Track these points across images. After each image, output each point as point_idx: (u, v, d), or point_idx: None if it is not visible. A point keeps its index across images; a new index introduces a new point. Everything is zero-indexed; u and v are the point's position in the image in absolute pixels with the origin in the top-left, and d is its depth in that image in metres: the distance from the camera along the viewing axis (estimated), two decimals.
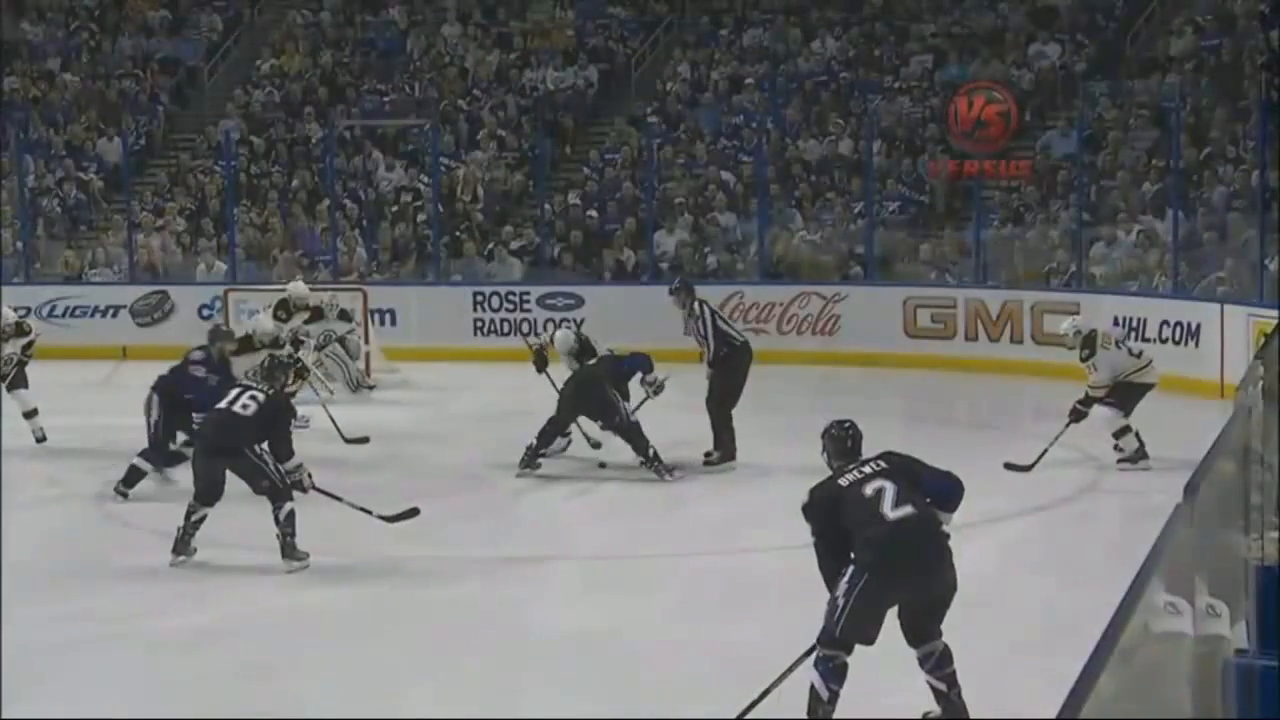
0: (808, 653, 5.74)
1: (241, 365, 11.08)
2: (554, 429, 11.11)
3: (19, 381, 12.70)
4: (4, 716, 4.69)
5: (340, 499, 9.12)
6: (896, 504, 5.69)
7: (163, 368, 11.13)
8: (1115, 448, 11.19)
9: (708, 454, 11.49)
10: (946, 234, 18.27)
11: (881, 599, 5.62)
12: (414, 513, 9.23)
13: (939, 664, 5.67)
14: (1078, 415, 11.24)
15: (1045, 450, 10.96)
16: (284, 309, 12.89)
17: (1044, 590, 8.21)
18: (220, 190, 20.57)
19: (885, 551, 5.63)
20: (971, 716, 5.66)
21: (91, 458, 12.02)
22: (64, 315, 18.97)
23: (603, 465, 11.23)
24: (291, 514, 8.67)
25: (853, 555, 5.66)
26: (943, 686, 5.69)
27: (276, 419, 8.79)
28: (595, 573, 8.96)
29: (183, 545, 8.72)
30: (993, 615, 7.26)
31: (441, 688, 6.80)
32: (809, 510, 5.80)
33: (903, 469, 5.86)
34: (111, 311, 18.99)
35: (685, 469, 11.07)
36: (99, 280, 19.77)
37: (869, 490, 5.72)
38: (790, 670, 5.80)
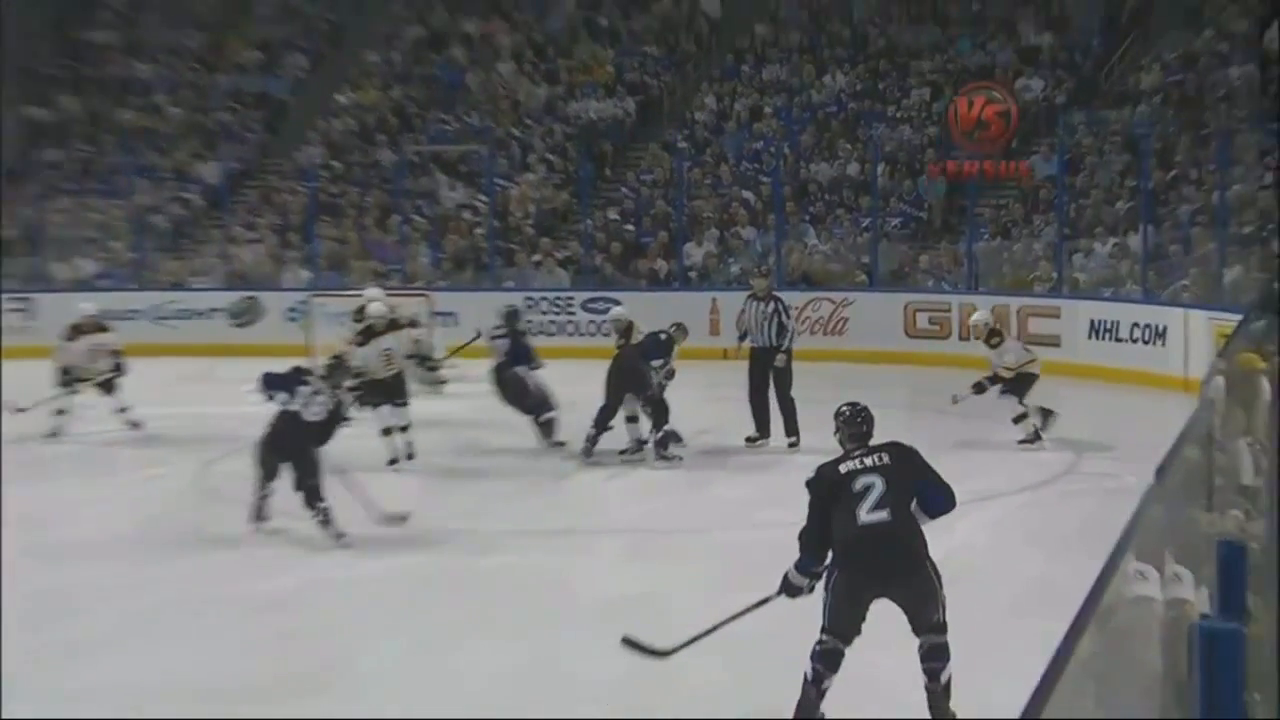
0: (759, 603, 5.55)
1: (369, 352, 10.96)
2: (607, 414, 11.03)
3: (112, 386, 12.51)
4: (4, 716, 4.64)
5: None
6: (876, 506, 5.26)
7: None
8: (1015, 420, 11.34)
9: (751, 438, 11.44)
10: (943, 246, 18.20)
11: (852, 595, 5.29)
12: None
13: (927, 657, 5.30)
14: (980, 389, 11.47)
15: (956, 397, 11.56)
16: (367, 333, 11.94)
17: (1031, 561, 8.12)
18: (304, 207, 20.62)
19: (850, 552, 5.30)
20: (953, 709, 5.34)
21: (191, 442, 12.08)
22: (169, 318, 19.05)
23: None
24: (327, 511, 8.50)
25: (836, 543, 5.35)
26: (925, 678, 5.33)
27: (333, 423, 8.78)
28: (631, 545, 8.90)
29: (257, 513, 8.74)
30: (985, 583, 7.20)
31: (493, 644, 6.76)
32: (811, 484, 5.46)
33: (901, 468, 5.40)
34: (209, 314, 19.06)
35: (683, 457, 10.98)
36: (199, 287, 19.85)
37: (858, 485, 5.32)
38: (738, 615, 5.61)
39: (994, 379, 11.46)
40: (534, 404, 11.50)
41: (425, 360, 13.28)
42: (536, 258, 19.35)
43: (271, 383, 8.82)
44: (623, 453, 11.05)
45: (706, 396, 12.71)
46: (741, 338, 11.84)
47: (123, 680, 6.21)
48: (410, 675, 6.35)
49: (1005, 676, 5.11)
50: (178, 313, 19.09)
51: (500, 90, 22.79)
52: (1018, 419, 11.39)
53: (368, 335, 11.19)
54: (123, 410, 12.47)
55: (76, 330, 12.66)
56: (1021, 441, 11.31)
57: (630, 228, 19.75)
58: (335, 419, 8.80)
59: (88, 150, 22.54)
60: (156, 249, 20.92)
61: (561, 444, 11.27)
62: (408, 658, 6.58)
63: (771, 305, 11.63)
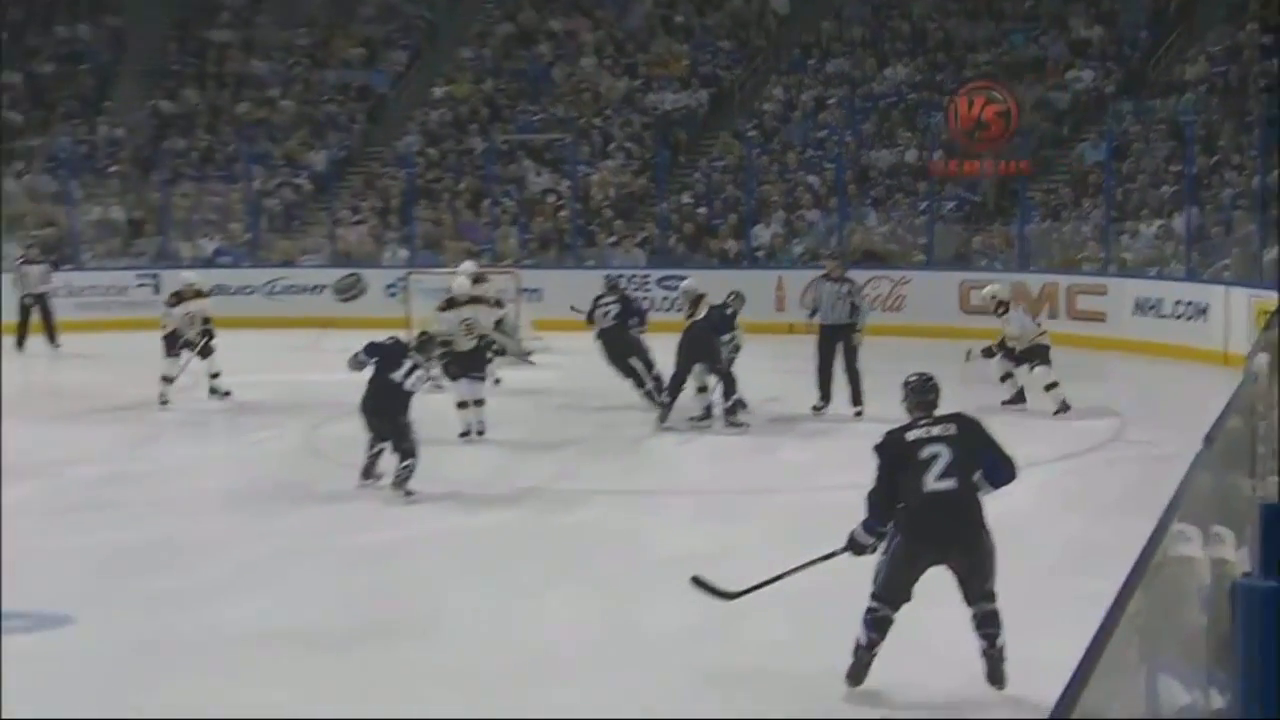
0: (824, 556, 5.42)
1: (450, 317, 10.95)
2: (677, 383, 10.97)
3: (208, 351, 12.34)
4: (4, 716, 4.67)
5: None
6: (942, 475, 5.09)
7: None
8: (1000, 378, 11.33)
9: (816, 406, 11.34)
10: (995, 228, 17.93)
11: (912, 561, 5.17)
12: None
13: (982, 624, 5.18)
14: (989, 354, 11.45)
15: (970, 353, 11.35)
16: (449, 303, 11.52)
17: (1074, 524, 7.97)
18: (403, 192, 20.73)
19: (916, 520, 5.15)
20: (1004, 666, 5.21)
21: (298, 407, 12.14)
22: (280, 293, 19.25)
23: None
24: (410, 469, 8.57)
25: (897, 510, 5.21)
26: (984, 644, 5.21)
27: (414, 392, 8.77)
28: (700, 505, 8.86)
29: (368, 471, 8.77)
30: (1029, 545, 7.05)
31: (571, 595, 6.76)
32: (880, 449, 5.29)
33: (966, 439, 5.22)
34: (317, 290, 19.23)
35: (750, 424, 10.88)
36: (307, 264, 20.02)
37: (925, 453, 5.14)
38: (803, 567, 5.50)
39: (1002, 346, 11.42)
40: (639, 364, 11.25)
41: (501, 327, 13.29)
42: (615, 238, 19.32)
43: (373, 350, 8.86)
44: (694, 419, 10.99)
45: (772, 368, 12.62)
46: (811, 314, 11.68)
47: (229, 625, 6.26)
48: (494, 623, 6.35)
49: (1048, 634, 5.03)
50: (288, 288, 19.29)
51: (583, 83, 22.71)
52: (1048, 386, 11.23)
53: (449, 305, 11.25)
54: (214, 376, 12.30)
55: (177, 297, 12.56)
56: (1005, 403, 11.20)
57: (702, 210, 19.63)
58: (418, 388, 8.84)
59: (208, 139, 22.78)
60: (269, 230, 21.13)
61: (667, 405, 10.95)
62: (492, 607, 6.58)
63: (844, 286, 11.48)
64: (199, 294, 12.74)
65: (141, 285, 18.80)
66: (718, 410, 10.98)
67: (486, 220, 20.05)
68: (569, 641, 6.05)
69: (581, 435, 10.86)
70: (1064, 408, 11.11)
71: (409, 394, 8.67)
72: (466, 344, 10.43)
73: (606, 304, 11.96)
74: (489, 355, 10.69)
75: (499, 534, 8.02)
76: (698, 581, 5.62)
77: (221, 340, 12.60)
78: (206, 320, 12.45)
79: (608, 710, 5.24)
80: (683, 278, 16.42)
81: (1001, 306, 11.58)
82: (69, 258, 19.77)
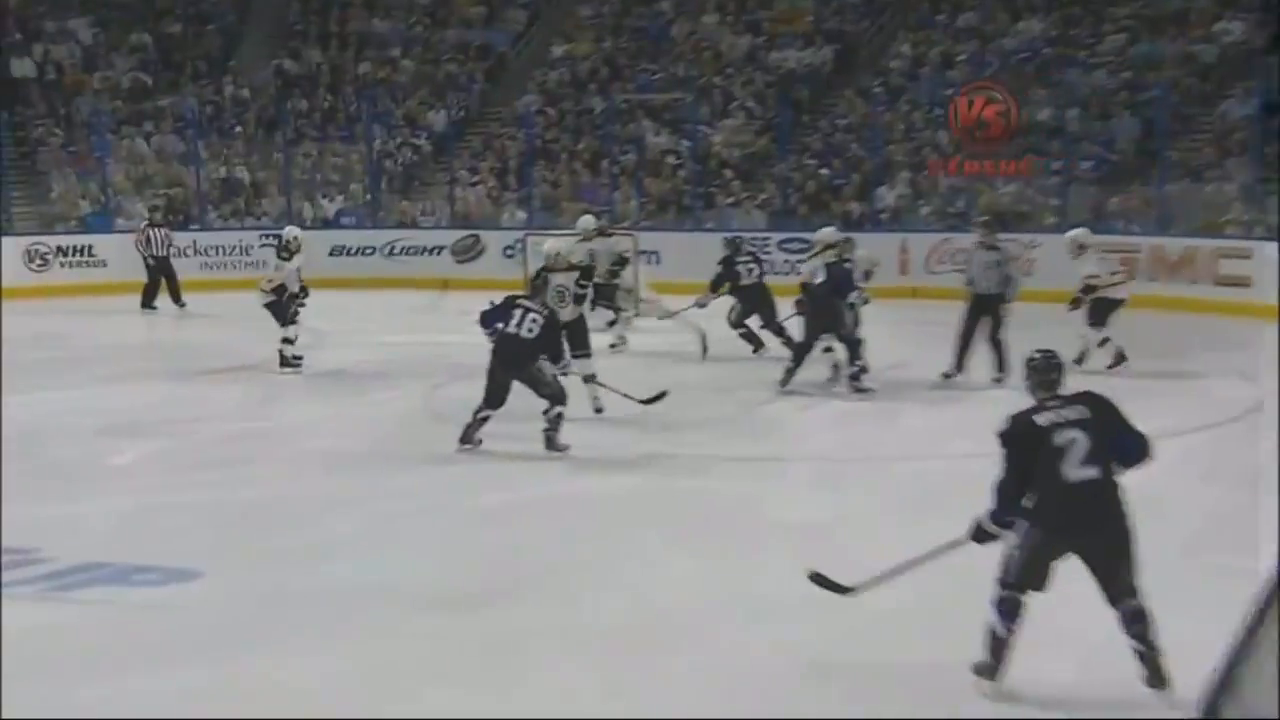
0: (948, 546, 5.23)
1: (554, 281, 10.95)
2: (803, 349, 10.95)
3: (293, 317, 12.11)
4: (4, 716, 4.80)
5: (604, 385, 9.77)
6: (1083, 462, 4.87)
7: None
8: (1098, 344, 11.39)
9: (948, 373, 11.22)
10: (1134, 189, 17.44)
11: (1049, 551, 4.97)
12: (664, 395, 9.76)
13: (1131, 623, 4.91)
14: (1076, 303, 11.51)
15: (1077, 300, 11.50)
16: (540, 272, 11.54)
17: (1211, 497, 7.78)
18: (522, 152, 20.89)
19: (1057, 511, 4.92)
20: (1164, 664, 4.90)
21: (419, 368, 12.31)
22: (399, 254, 19.57)
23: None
24: (560, 415, 8.81)
25: (1029, 497, 4.98)
26: (1141, 648, 4.91)
27: (551, 334, 8.90)
28: (822, 472, 8.83)
29: (467, 436, 8.88)
30: (1164, 519, 6.87)
31: (692, 563, 6.78)
32: (1005, 437, 5.04)
33: (1100, 420, 4.97)
34: (436, 251, 19.51)
35: (876, 389, 10.80)
36: (426, 226, 20.30)
37: (1060, 439, 4.90)
38: (925, 558, 5.32)
39: (1087, 291, 11.48)
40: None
41: (619, 289, 13.32)
42: (734, 200, 19.24)
43: (489, 319, 8.99)
44: (827, 381, 11.03)
45: (896, 333, 12.48)
46: (968, 282, 11.37)
47: (350, 582, 6.41)
48: (612, 587, 6.42)
49: (1188, 614, 4.92)
50: (407, 249, 19.60)
51: (704, 41, 22.61)
52: (1101, 343, 11.35)
53: (540, 273, 11.02)
54: (287, 341, 12.06)
55: (289, 251, 12.56)
56: (1110, 367, 11.15)
57: (825, 171, 19.45)
58: (552, 329, 8.91)
59: (330, 100, 23.18)
60: (389, 191, 21.48)
61: (790, 370, 10.89)
62: (610, 571, 6.66)
63: (995, 254, 11.29)
64: (299, 249, 12.63)
65: (265, 245, 19.24)
66: (843, 374, 10.94)
67: (605, 181, 20.12)
68: (686, 608, 6.09)
69: (703, 400, 10.89)
70: (1118, 360, 11.29)
71: (532, 340, 8.76)
72: (567, 314, 10.08)
73: (744, 262, 12.48)
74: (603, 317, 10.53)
75: (616, 499, 8.09)
76: (815, 577, 5.56)
77: (341, 300, 12.84)
78: (302, 280, 12.36)
79: (727, 677, 5.28)
80: (805, 241, 16.48)
81: (1080, 250, 11.57)
82: (195, 218, 20.35)
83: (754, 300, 12.41)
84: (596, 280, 12.94)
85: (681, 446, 9.30)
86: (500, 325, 8.86)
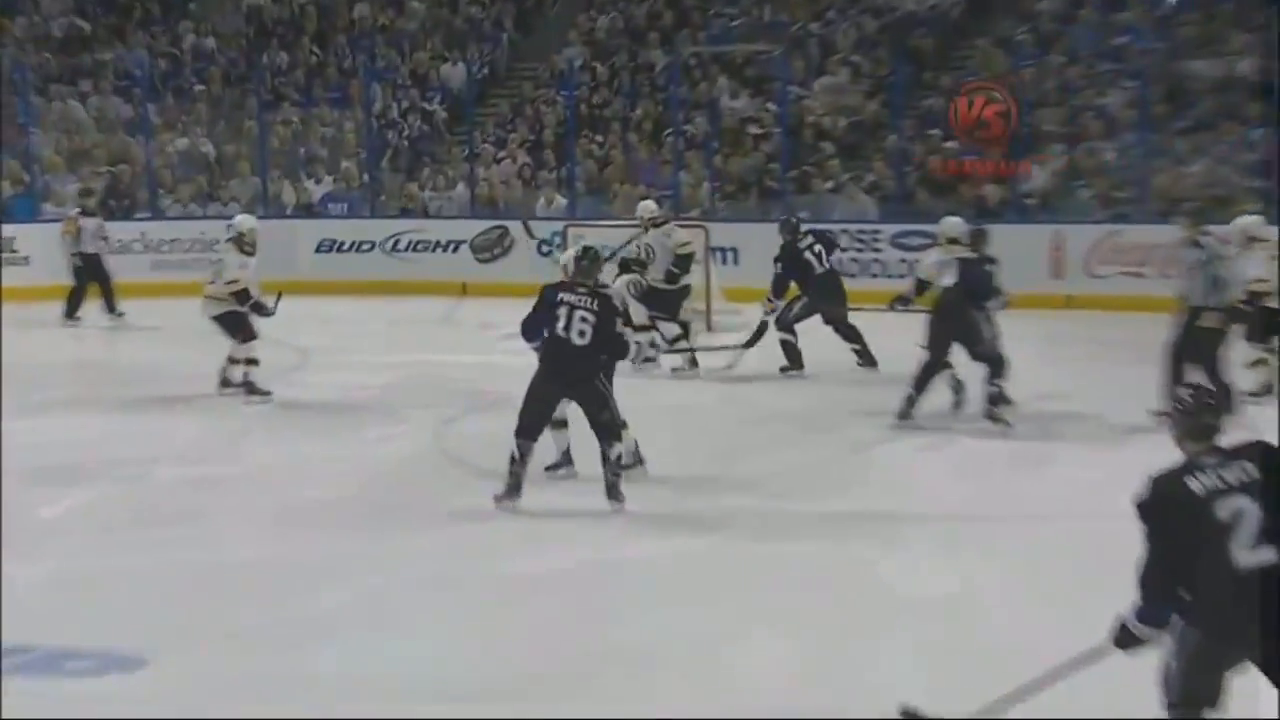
0: (1086, 656, 5.12)
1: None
2: (930, 371, 10.93)
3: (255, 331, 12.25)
4: (4, 717, 4.82)
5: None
6: (1255, 543, 4.69)
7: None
8: (1250, 364, 11.55)
9: (1159, 412, 11.04)
10: None
11: (1216, 661, 4.81)
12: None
13: None
14: (1238, 316, 11.30)
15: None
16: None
17: None
18: (561, 120, 20.97)
19: (1226, 610, 4.74)
20: None
21: (429, 395, 12.37)
22: (406, 249, 19.66)
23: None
24: (620, 457, 8.83)
25: (1185, 592, 4.79)
26: None
27: (608, 328, 8.80)
28: (946, 534, 8.77)
29: (513, 489, 8.81)
30: None
31: (776, 643, 6.78)
32: (1145, 509, 4.82)
33: (1273, 480, 4.77)
34: (452, 246, 19.58)
35: (1013, 423, 10.80)
36: (441, 215, 20.37)
37: (1224, 512, 4.71)
38: (1055, 676, 5.22)
39: (1249, 300, 11.43)
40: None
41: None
42: (834, 182, 19.22)
43: (532, 328, 8.94)
44: (953, 410, 11.11)
45: (1046, 354, 12.41)
46: (1185, 295, 11.12)
47: (336, 673, 6.45)
48: (680, 680, 6.41)
49: None
50: (414, 244, 19.69)
51: None
52: (1253, 363, 11.59)
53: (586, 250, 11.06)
54: (253, 363, 12.30)
55: (252, 246, 12.44)
56: (1251, 394, 11.12)
57: (952, 145, 19.39)
58: (608, 321, 8.79)
59: (317, 53, 23.36)
60: (391, 169, 21.60)
61: (912, 398, 10.96)
62: (676, 659, 6.65)
63: (1200, 253, 11.03)
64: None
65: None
66: (964, 398, 10.94)
67: (667, 158, 20.16)
68: (772, 700, 6.07)
69: (791, 437, 10.87)
70: (1264, 390, 11.33)
71: (585, 346, 8.71)
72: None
73: (809, 246, 12.78)
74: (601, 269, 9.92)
75: (685, 564, 8.07)
76: (907, 714, 5.47)
77: (329, 309, 12.93)
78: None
79: None
80: (924, 234, 16.43)
81: (1250, 243, 11.64)
82: (143, 203, 20.57)
83: (827, 295, 12.36)
84: (653, 283, 13.03)
85: (766, 498, 9.28)
86: (546, 333, 8.86)
